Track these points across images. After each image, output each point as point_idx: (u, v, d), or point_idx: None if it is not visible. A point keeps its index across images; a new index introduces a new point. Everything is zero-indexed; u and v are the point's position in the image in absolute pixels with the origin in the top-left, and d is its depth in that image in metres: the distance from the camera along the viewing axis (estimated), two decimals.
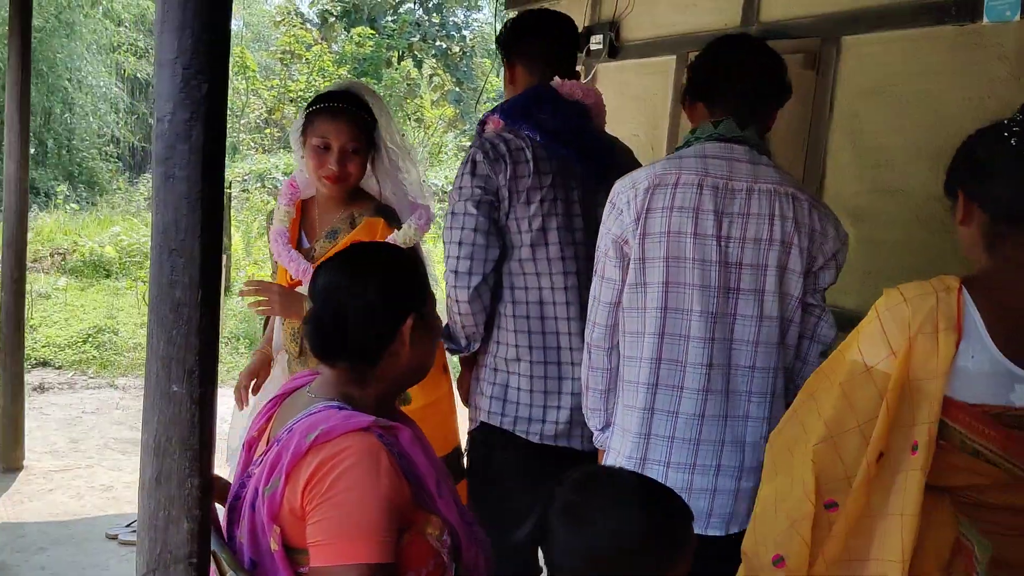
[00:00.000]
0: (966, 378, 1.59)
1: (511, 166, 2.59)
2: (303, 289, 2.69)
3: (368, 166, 2.84)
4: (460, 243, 2.57)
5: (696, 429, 2.14)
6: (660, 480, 1.84)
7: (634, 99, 4.57)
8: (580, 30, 4.86)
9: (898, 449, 1.60)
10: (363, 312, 1.68)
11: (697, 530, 1.59)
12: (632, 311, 2.20)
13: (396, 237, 2.77)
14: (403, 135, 3.05)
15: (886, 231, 3.27)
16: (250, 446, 1.82)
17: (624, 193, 2.20)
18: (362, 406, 1.70)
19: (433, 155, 15.42)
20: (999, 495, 1.62)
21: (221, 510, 1.77)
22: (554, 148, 2.64)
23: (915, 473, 1.57)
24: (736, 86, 2.24)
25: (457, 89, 16.59)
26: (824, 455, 1.64)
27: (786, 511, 1.67)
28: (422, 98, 15.78)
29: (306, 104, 2.85)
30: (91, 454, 5.31)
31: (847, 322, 3.34)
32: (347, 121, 2.72)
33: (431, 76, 16.38)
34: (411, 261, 1.86)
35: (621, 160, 2.83)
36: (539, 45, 2.84)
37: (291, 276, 2.83)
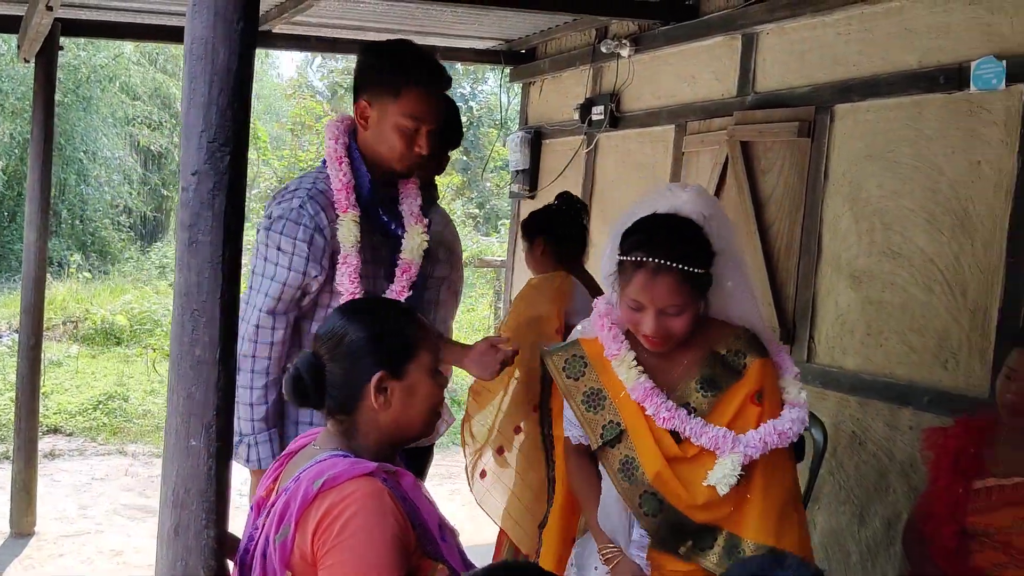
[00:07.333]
0: None
1: None
2: None
3: None
4: None
5: None
6: None
7: (635, 167, 4.67)
8: (582, 101, 5.03)
9: None
10: (334, 363, 1.74)
11: None
12: None
13: None
14: None
15: (886, 292, 3.33)
16: (259, 506, 1.85)
17: None
18: (362, 456, 1.74)
19: None
20: None
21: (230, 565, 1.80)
22: None
23: None
24: None
25: (465, 158, 16.85)
26: None
27: None
28: None
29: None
30: (100, 520, 5.31)
31: (850, 382, 3.40)
32: None
33: None
34: (395, 319, 1.83)
35: None
36: None
37: None
